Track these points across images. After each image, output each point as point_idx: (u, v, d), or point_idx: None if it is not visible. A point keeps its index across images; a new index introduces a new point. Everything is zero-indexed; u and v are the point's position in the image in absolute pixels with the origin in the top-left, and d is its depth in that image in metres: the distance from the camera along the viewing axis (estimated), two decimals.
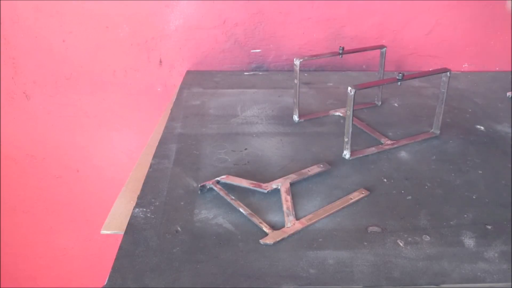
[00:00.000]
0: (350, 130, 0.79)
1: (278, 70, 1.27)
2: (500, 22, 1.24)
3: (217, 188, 0.71)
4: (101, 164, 1.39)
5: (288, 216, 0.65)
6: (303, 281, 0.55)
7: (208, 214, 0.66)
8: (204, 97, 1.06)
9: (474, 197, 0.71)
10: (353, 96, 0.76)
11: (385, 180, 0.75)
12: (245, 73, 1.23)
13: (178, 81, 1.21)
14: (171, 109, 0.99)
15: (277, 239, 0.61)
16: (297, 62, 0.90)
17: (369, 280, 0.55)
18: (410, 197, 0.71)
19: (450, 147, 0.86)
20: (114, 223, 0.69)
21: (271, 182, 0.73)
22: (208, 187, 0.72)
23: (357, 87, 0.77)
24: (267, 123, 0.94)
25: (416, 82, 1.15)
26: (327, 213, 0.66)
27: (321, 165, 0.78)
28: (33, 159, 1.37)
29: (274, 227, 0.64)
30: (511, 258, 0.59)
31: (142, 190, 0.71)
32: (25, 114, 1.31)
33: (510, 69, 1.27)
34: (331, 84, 1.16)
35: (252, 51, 1.25)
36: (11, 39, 1.21)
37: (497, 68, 1.29)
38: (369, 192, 0.71)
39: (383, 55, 0.98)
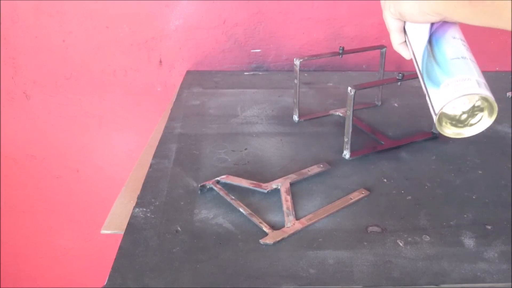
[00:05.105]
0: (350, 130, 0.79)
1: (278, 70, 1.27)
2: None
3: (217, 188, 0.71)
4: (101, 164, 1.39)
5: (288, 216, 0.65)
6: (303, 281, 0.55)
7: (208, 214, 0.66)
8: (204, 97, 1.06)
9: (474, 197, 0.71)
10: (353, 96, 0.76)
11: (385, 180, 0.75)
12: (245, 73, 1.23)
13: (178, 81, 1.21)
14: (171, 109, 0.99)
15: (277, 239, 0.61)
16: (297, 62, 0.90)
17: (369, 280, 0.55)
18: (410, 197, 0.71)
19: (450, 147, 0.86)
20: (114, 223, 0.69)
21: (271, 182, 0.73)
22: (208, 187, 0.72)
23: (357, 87, 0.77)
24: (267, 123, 0.94)
25: (416, 82, 1.14)
26: (327, 213, 0.67)
27: (321, 165, 0.78)
28: (33, 159, 1.37)
29: (274, 227, 0.64)
30: (511, 258, 0.59)
31: (142, 190, 0.71)
32: (25, 114, 1.31)
33: (510, 69, 1.27)
34: (331, 84, 1.16)
35: (252, 51, 1.25)
36: (11, 39, 1.21)
37: (497, 68, 1.29)
38: (369, 192, 0.71)
39: (383, 55, 0.98)
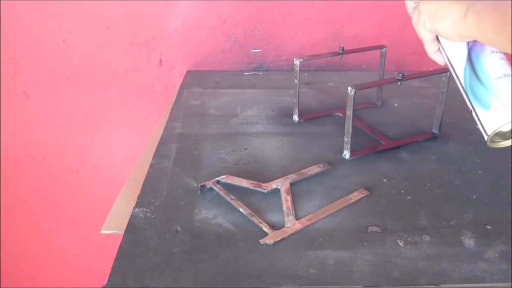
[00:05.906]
0: (350, 130, 0.79)
1: (278, 70, 1.27)
2: None
3: (217, 188, 0.71)
4: (101, 164, 1.39)
5: (288, 216, 0.65)
6: (303, 281, 0.55)
7: (208, 214, 0.66)
8: (204, 97, 1.06)
9: (474, 197, 0.71)
10: (353, 96, 0.76)
11: (385, 180, 0.75)
12: (245, 73, 1.23)
13: (178, 81, 1.21)
14: (171, 109, 0.99)
15: (277, 239, 0.61)
16: (297, 62, 0.90)
17: (369, 280, 0.55)
18: (410, 197, 0.71)
19: (450, 147, 0.86)
20: (114, 223, 0.69)
21: (271, 182, 0.73)
22: (208, 187, 0.72)
23: (357, 87, 0.77)
24: (267, 123, 0.94)
25: (416, 82, 1.15)
26: (327, 213, 0.67)
27: (321, 165, 0.78)
28: (33, 159, 1.37)
29: (274, 227, 0.64)
30: (511, 258, 0.59)
31: (142, 190, 0.71)
32: (25, 114, 1.31)
33: None
34: (331, 84, 1.16)
35: (252, 51, 1.25)
36: (11, 39, 1.21)
37: None
38: (369, 192, 0.71)
39: (383, 55, 0.98)
